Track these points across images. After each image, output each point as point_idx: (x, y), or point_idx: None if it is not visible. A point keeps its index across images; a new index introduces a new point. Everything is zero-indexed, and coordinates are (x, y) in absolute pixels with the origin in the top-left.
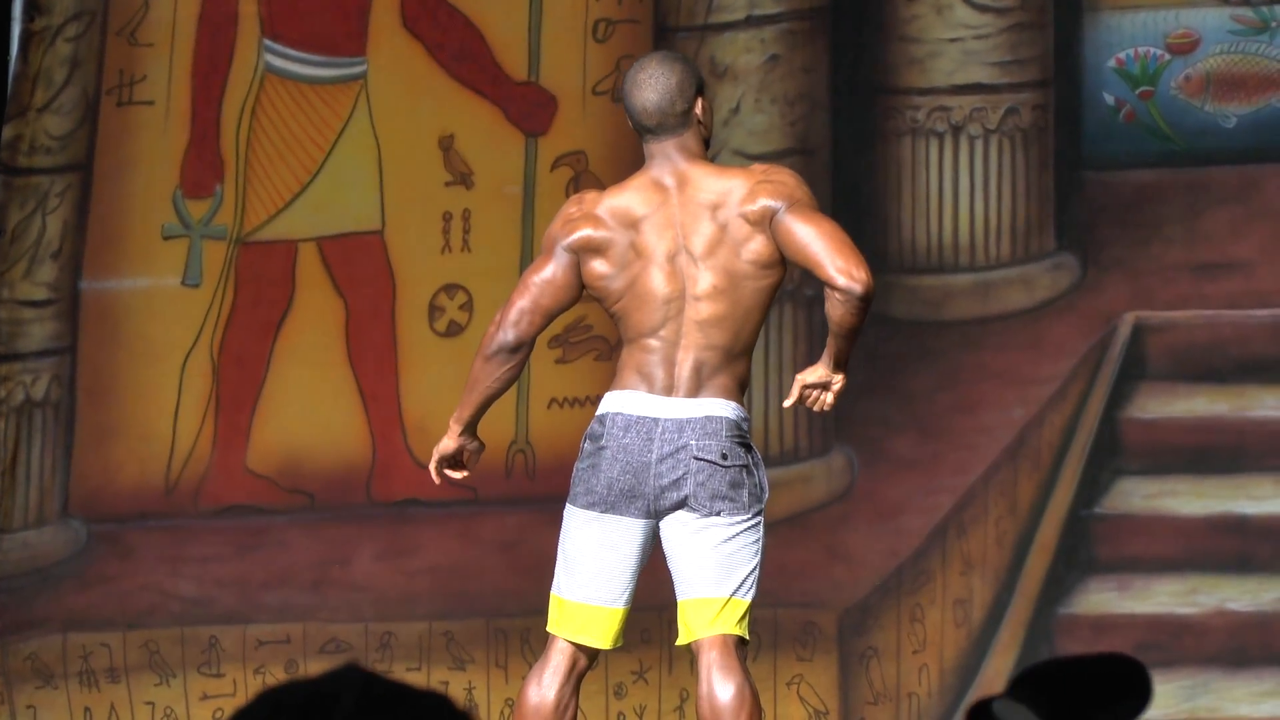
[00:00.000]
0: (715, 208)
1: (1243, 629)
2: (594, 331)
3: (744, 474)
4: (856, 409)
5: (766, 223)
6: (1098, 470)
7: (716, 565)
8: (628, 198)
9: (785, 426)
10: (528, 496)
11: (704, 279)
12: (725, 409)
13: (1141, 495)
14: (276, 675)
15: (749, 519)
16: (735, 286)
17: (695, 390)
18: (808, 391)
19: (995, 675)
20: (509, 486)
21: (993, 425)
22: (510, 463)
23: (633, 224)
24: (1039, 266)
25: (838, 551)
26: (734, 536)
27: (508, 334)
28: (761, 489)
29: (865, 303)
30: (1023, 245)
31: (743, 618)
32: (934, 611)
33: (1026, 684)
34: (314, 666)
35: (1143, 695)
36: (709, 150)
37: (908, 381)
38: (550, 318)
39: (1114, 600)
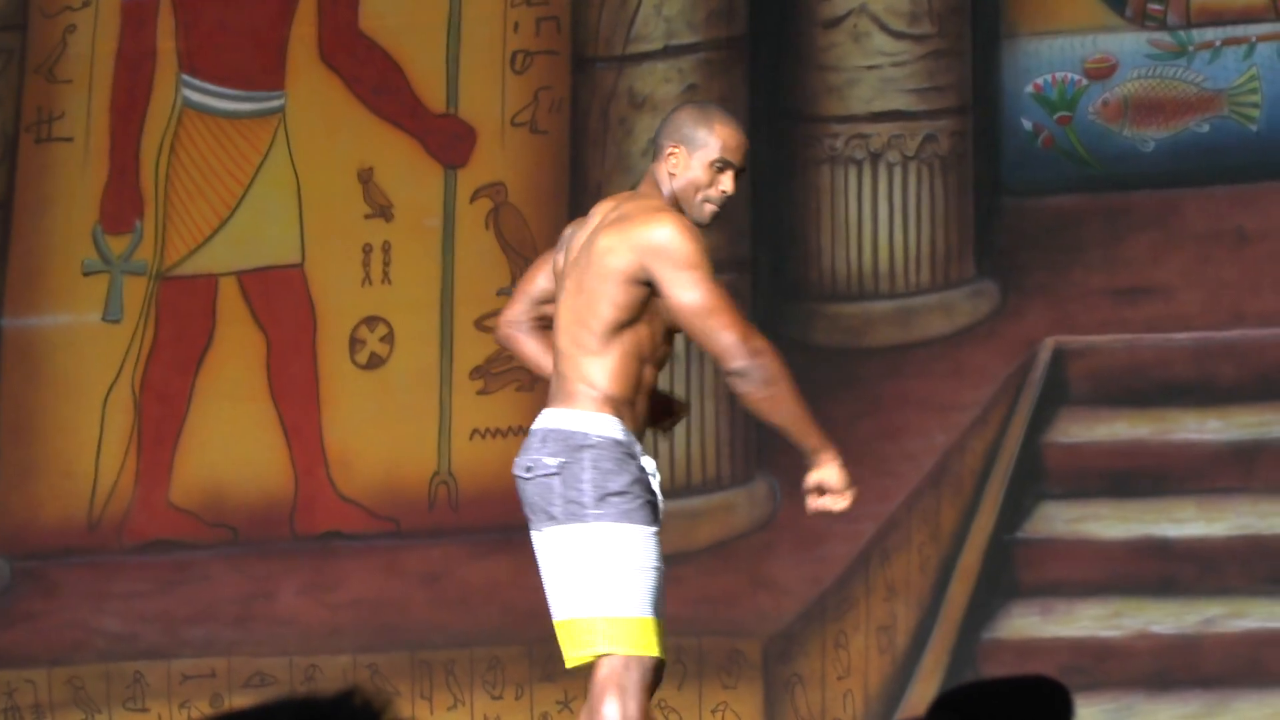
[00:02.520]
0: (599, 229)
1: (1166, 651)
2: (515, 363)
3: (580, 472)
4: (778, 436)
5: (636, 256)
6: (1020, 495)
7: (576, 582)
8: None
9: (707, 455)
10: (451, 528)
11: (569, 286)
12: (570, 419)
13: (1064, 519)
14: (202, 710)
15: (596, 525)
16: (582, 289)
17: (559, 400)
18: (818, 502)
19: (920, 701)
20: (432, 518)
21: (915, 452)
22: (433, 494)
23: (563, 241)
24: (959, 293)
25: (761, 579)
26: (588, 549)
27: (499, 328)
28: (604, 490)
29: (741, 375)
30: (943, 272)
31: (623, 636)
32: (858, 638)
33: (950, 706)
34: (239, 701)
35: (1064, 715)
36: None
37: (829, 408)
38: (532, 301)
39: (1037, 625)
